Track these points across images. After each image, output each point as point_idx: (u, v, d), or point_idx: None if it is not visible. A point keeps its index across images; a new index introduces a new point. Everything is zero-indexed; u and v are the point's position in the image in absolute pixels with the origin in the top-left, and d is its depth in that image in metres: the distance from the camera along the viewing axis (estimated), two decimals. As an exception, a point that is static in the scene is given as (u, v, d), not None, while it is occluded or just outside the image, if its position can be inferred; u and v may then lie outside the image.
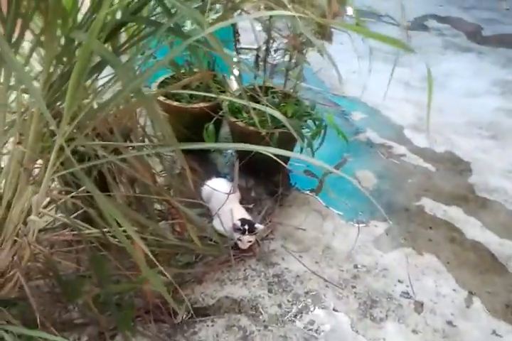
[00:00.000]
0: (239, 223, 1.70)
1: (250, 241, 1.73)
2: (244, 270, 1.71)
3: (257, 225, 1.73)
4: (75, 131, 0.95)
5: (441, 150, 2.43)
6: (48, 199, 1.17)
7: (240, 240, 1.71)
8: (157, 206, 1.66)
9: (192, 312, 1.51)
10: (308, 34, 0.80)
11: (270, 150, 1.11)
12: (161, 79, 2.21)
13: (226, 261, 1.71)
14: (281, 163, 1.15)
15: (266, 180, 2.12)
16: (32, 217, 0.98)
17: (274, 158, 1.11)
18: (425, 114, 2.74)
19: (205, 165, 2.18)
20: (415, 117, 2.72)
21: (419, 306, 1.61)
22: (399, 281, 1.70)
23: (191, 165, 2.00)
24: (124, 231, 1.21)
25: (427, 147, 2.45)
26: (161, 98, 2.06)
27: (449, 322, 1.56)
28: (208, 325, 1.50)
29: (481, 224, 1.96)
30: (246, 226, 1.70)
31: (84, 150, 1.23)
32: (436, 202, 2.08)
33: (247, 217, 1.78)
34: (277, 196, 2.02)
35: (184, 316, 1.50)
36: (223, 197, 1.76)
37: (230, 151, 2.30)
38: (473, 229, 1.94)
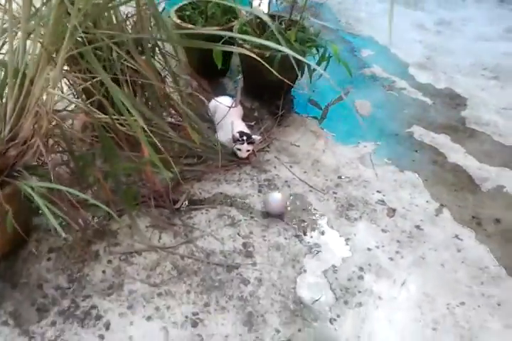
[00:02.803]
0: (238, 135, 1.90)
1: (249, 151, 1.93)
2: (239, 174, 1.92)
3: (254, 136, 1.92)
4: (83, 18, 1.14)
5: (441, 87, 2.54)
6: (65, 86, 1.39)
7: (239, 150, 1.92)
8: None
9: (189, 202, 1.75)
10: None
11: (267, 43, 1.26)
12: (179, 5, 2.37)
13: (224, 166, 1.92)
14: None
15: (269, 103, 2.29)
16: (49, 89, 1.20)
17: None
18: (433, 54, 2.84)
19: (215, 87, 2.36)
20: (422, 56, 2.81)
21: (391, 212, 1.80)
22: (377, 191, 1.89)
23: (203, 86, 2.21)
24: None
25: (429, 83, 2.56)
26: (178, 21, 2.23)
27: (417, 226, 1.76)
28: (202, 213, 1.74)
29: (465, 151, 2.11)
30: (244, 137, 1.90)
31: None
32: (426, 130, 2.22)
33: (246, 130, 1.98)
34: (277, 117, 2.20)
35: (183, 204, 1.74)
36: (226, 111, 1.95)
37: (239, 77, 2.48)
38: (457, 154, 2.09)
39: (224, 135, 1.98)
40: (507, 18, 3.30)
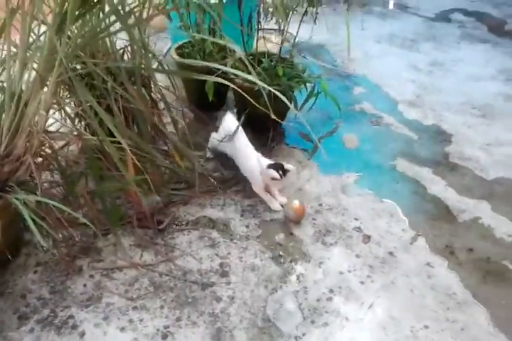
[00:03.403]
0: (275, 172, 1.88)
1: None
2: (224, 199, 2.03)
3: (286, 166, 1.92)
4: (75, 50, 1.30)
5: (428, 123, 2.65)
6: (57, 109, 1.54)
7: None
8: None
9: (173, 223, 1.86)
10: None
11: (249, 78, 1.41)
12: (180, 43, 2.56)
13: (209, 191, 2.03)
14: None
15: (260, 135, 2.41)
16: (41, 111, 1.34)
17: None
18: (423, 93, 2.95)
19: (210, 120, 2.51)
20: (413, 94, 2.94)
21: (366, 238, 1.87)
22: (355, 219, 1.96)
23: (200, 117, 2.33)
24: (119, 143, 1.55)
25: (416, 119, 2.67)
26: (176, 57, 2.42)
27: (391, 253, 1.82)
28: (184, 234, 1.84)
29: (446, 184, 2.18)
30: (280, 172, 1.89)
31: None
32: (409, 163, 2.31)
33: (270, 161, 1.98)
34: (267, 148, 2.32)
35: (166, 225, 1.85)
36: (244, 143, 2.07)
37: (235, 110, 2.62)
38: (437, 186, 2.17)
39: (249, 166, 2.02)
40: (500, 60, 3.43)
